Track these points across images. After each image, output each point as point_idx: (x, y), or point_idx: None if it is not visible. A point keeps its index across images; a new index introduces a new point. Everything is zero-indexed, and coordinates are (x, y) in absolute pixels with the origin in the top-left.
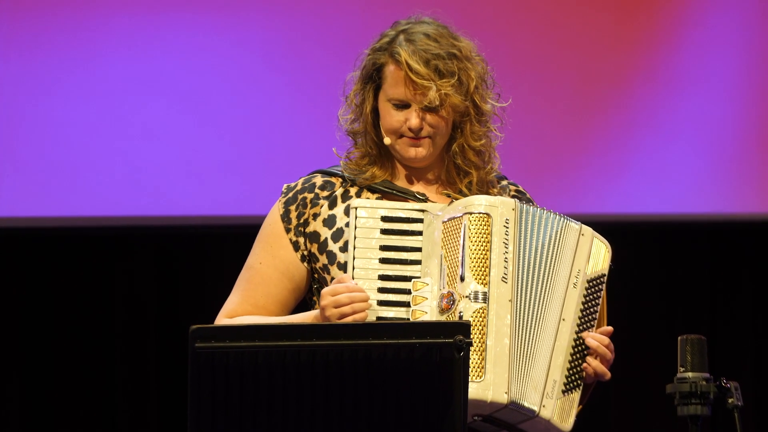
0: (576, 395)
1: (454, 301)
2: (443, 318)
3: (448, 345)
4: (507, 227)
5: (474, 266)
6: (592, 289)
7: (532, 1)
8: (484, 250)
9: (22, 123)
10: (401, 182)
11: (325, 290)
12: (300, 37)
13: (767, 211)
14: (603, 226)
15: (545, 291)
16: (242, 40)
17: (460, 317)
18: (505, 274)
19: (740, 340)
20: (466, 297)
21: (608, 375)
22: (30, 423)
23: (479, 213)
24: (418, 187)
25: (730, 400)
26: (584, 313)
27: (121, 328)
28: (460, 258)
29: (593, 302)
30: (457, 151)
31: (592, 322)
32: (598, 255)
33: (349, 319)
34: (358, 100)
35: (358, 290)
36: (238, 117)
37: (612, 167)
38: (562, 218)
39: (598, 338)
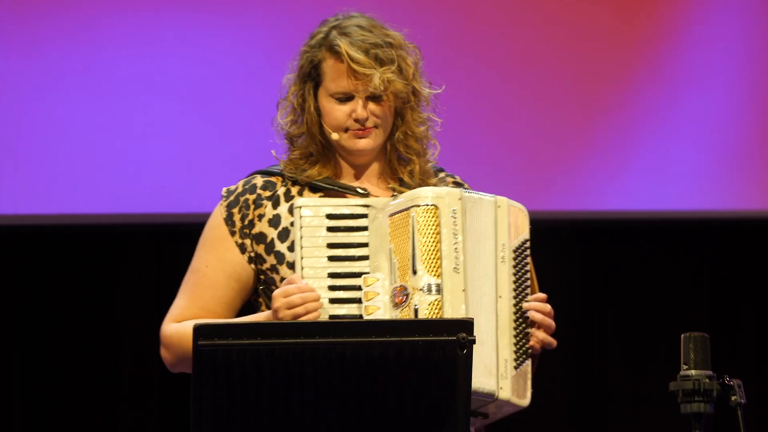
0: (527, 368)
1: (407, 294)
2: (397, 312)
3: (451, 342)
4: (455, 218)
5: (426, 258)
6: (519, 258)
7: None
8: (434, 241)
9: (24, 121)
10: (345, 179)
11: (276, 292)
12: (303, 36)
13: None
14: (605, 224)
15: (479, 272)
16: (244, 38)
17: (416, 310)
18: (456, 264)
19: (743, 338)
20: (420, 290)
21: (554, 343)
22: (31, 422)
23: (426, 205)
24: (361, 182)
25: (733, 398)
26: (517, 284)
27: (123, 326)
28: (410, 251)
29: (523, 271)
30: (400, 139)
31: (526, 291)
32: (516, 222)
33: (302, 320)
34: (298, 100)
35: (309, 290)
36: (240, 115)
37: (613, 165)
38: (479, 195)
39: (538, 307)
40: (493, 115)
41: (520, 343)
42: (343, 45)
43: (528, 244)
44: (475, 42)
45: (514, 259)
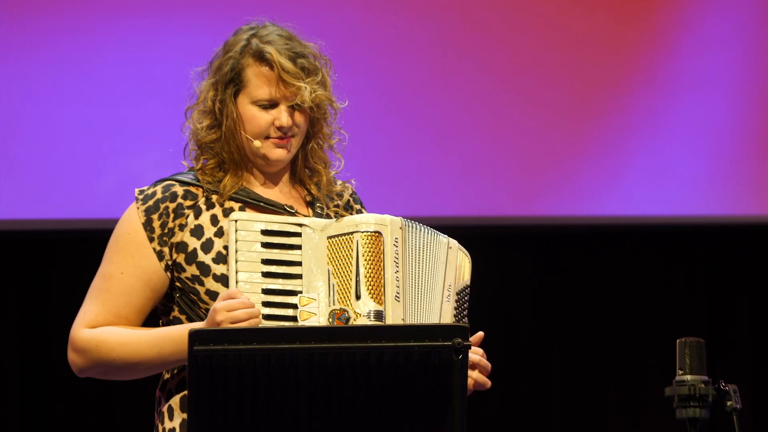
0: None
1: (348, 318)
2: None
3: (446, 348)
4: (396, 246)
5: (369, 285)
6: (461, 301)
7: (529, 3)
8: (377, 269)
9: (20, 125)
10: (258, 189)
11: (219, 305)
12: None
13: (765, 213)
14: (601, 229)
15: (425, 306)
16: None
17: None
18: (397, 293)
19: (739, 343)
20: (364, 315)
21: (488, 384)
22: (30, 424)
23: (369, 232)
24: (274, 194)
25: (728, 403)
26: None
27: None
28: (353, 276)
29: (463, 314)
30: (313, 149)
31: None
32: (462, 266)
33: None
34: (217, 105)
35: (251, 305)
36: None
37: (609, 170)
38: (432, 233)
39: (476, 351)
40: (488, 120)
41: None
42: (273, 53)
43: (468, 291)
44: (471, 47)
45: (456, 301)
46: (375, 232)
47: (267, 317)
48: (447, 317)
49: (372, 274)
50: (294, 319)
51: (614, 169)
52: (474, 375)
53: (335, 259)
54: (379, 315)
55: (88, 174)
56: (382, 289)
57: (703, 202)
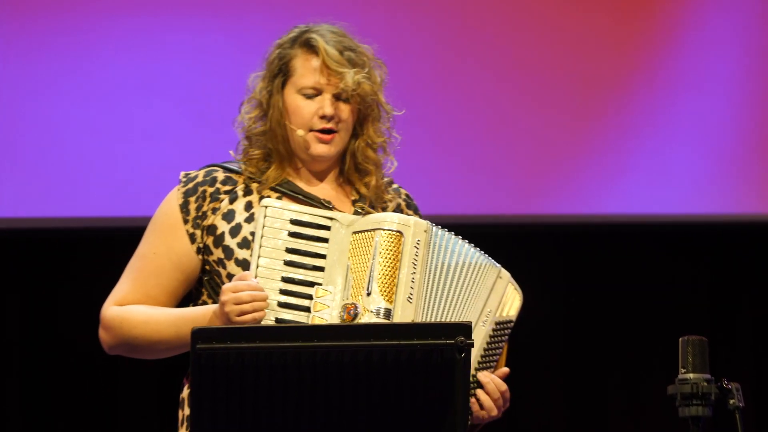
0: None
1: (357, 313)
2: None
3: (449, 346)
4: (417, 248)
5: (381, 282)
6: (499, 332)
7: (530, 3)
8: (393, 267)
9: (23, 124)
10: (302, 183)
11: (226, 286)
12: None
13: (766, 211)
14: (601, 228)
15: (451, 319)
16: (244, 41)
17: None
18: (410, 294)
19: (741, 341)
20: (371, 312)
21: (495, 411)
22: (31, 424)
23: (391, 230)
24: (319, 190)
25: (731, 401)
26: (486, 352)
27: None
28: (368, 272)
29: (497, 344)
30: (360, 148)
31: (492, 364)
32: (510, 301)
33: (248, 318)
34: (264, 96)
35: (259, 289)
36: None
37: (611, 169)
38: (483, 256)
39: (496, 382)
40: (489, 119)
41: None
42: (320, 41)
43: (511, 325)
44: (472, 46)
45: (494, 330)
46: (396, 231)
47: (282, 305)
48: (477, 340)
49: (386, 272)
50: (308, 309)
51: (615, 168)
52: (483, 398)
53: (356, 254)
54: (387, 313)
55: (90, 172)
56: (394, 288)
57: (704, 201)
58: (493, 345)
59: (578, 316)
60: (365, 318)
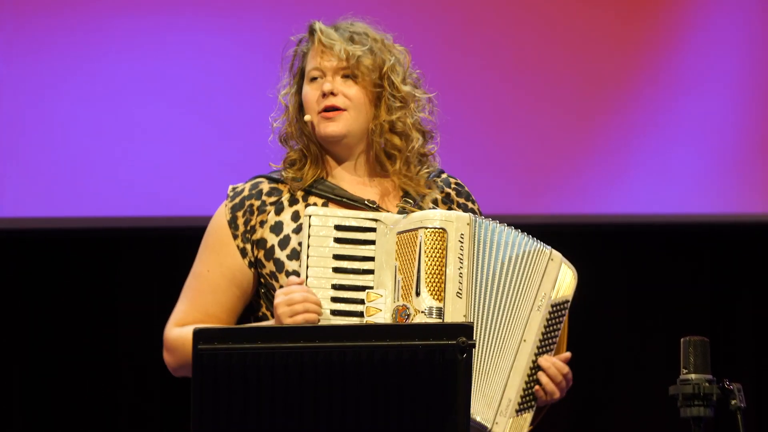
0: (528, 416)
1: (409, 315)
2: None
3: (451, 346)
4: (462, 242)
5: (429, 281)
6: (556, 314)
7: (534, 1)
8: (439, 265)
9: (26, 124)
10: (339, 179)
11: (279, 290)
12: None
13: None
14: (605, 227)
15: (507, 309)
16: (246, 40)
17: None
18: (459, 289)
19: (742, 342)
20: (422, 312)
21: (557, 394)
22: (31, 425)
23: (434, 228)
24: (360, 188)
25: (732, 402)
26: (545, 336)
27: (124, 329)
28: (415, 272)
29: (555, 326)
30: (377, 131)
31: (552, 346)
32: (564, 280)
33: (299, 319)
34: (288, 97)
35: (311, 291)
36: (242, 118)
37: (614, 168)
38: (532, 240)
39: (557, 365)
40: (493, 118)
41: (529, 391)
42: (318, 25)
43: (568, 305)
44: (476, 45)
45: (550, 313)
46: (440, 228)
47: (334, 312)
48: (534, 325)
49: (433, 271)
50: (360, 314)
51: (618, 168)
52: (548, 386)
53: (402, 254)
54: (438, 312)
55: (92, 172)
56: (443, 286)
57: (706, 200)
58: (551, 328)
59: (580, 315)
60: (417, 318)
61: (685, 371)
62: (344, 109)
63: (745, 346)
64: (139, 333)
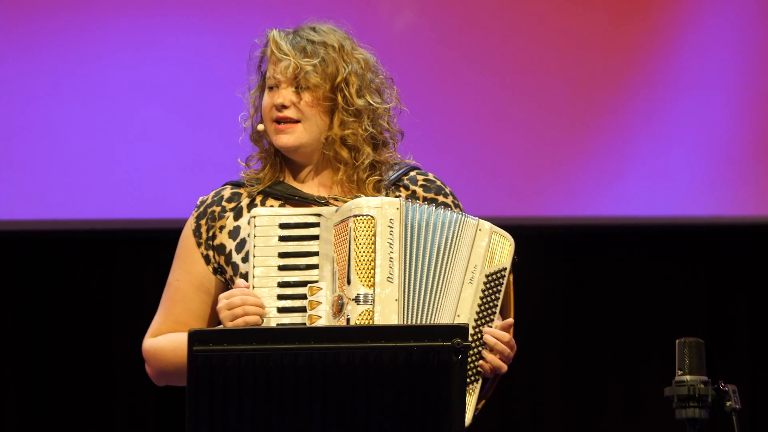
0: (474, 389)
1: (342, 304)
2: (335, 321)
3: (445, 348)
4: (391, 227)
5: (359, 269)
6: (491, 284)
7: (528, 3)
8: (369, 252)
9: (20, 125)
10: (299, 181)
11: (221, 295)
12: None
13: (764, 213)
14: (600, 230)
15: (439, 288)
16: (242, 42)
17: (347, 320)
18: (390, 274)
19: (738, 343)
20: (353, 300)
21: (504, 368)
22: (28, 425)
23: (363, 215)
24: (317, 187)
25: (728, 403)
26: (482, 308)
27: (119, 331)
28: (346, 261)
29: (492, 297)
30: (327, 142)
31: (491, 317)
32: (497, 249)
33: (239, 322)
34: (248, 99)
35: (251, 294)
36: (237, 120)
37: (608, 170)
38: (458, 214)
39: (496, 334)
40: (487, 121)
41: (471, 365)
42: (274, 33)
43: (505, 273)
44: (470, 47)
45: (485, 284)
46: (368, 215)
47: (281, 309)
48: (468, 299)
49: (362, 258)
50: (304, 309)
51: (613, 170)
52: (489, 357)
53: (338, 245)
54: (365, 298)
55: (89, 174)
56: (372, 272)
57: (701, 202)
58: (487, 299)
59: (576, 318)
60: (349, 307)
61: (680, 372)
62: (297, 121)
63: (741, 347)
64: (134, 335)
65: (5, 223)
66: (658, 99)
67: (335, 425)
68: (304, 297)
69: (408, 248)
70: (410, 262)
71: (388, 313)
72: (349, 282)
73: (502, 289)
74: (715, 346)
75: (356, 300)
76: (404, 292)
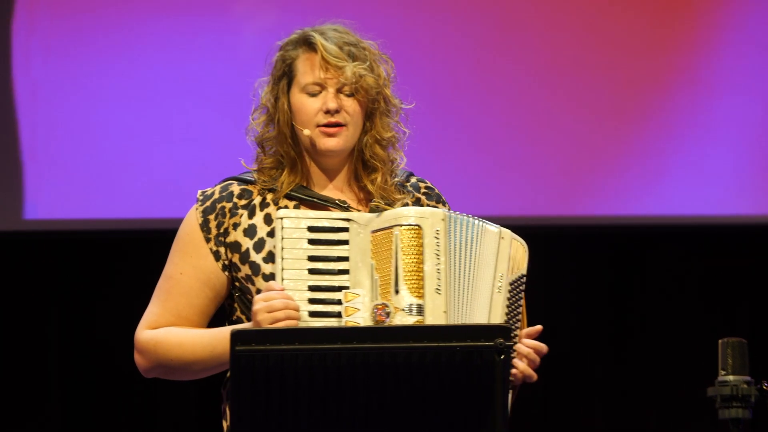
0: (508, 397)
1: (389, 313)
2: None
3: (488, 347)
4: (437, 238)
5: (408, 279)
6: (515, 291)
7: (571, 4)
8: (417, 262)
9: (60, 125)
10: (316, 185)
11: (257, 297)
12: None
13: None
14: (642, 229)
15: (475, 298)
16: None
17: None
18: (438, 285)
19: None
20: (402, 309)
21: (535, 377)
22: (72, 422)
23: (409, 225)
24: (332, 189)
25: None
26: (509, 316)
27: None
28: (393, 270)
29: (517, 304)
30: (368, 144)
31: (516, 324)
32: (516, 256)
33: (281, 325)
34: (270, 100)
35: (290, 297)
36: None
37: (651, 170)
38: (480, 222)
39: (528, 342)
40: (528, 120)
41: None
42: (318, 37)
43: (524, 280)
44: (512, 47)
45: (510, 291)
46: (415, 225)
47: (312, 314)
48: (498, 308)
49: (411, 268)
50: (338, 315)
51: (655, 170)
52: (521, 366)
53: (378, 253)
54: (419, 309)
55: (128, 174)
56: (421, 282)
57: (744, 202)
58: (512, 307)
59: (617, 317)
60: (398, 316)
61: (723, 372)
62: (345, 125)
63: None
64: None
65: (47, 222)
66: (700, 99)
67: (377, 425)
68: (336, 302)
69: (452, 260)
70: (454, 273)
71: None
72: (397, 291)
73: (523, 295)
74: (758, 346)
75: (407, 310)
76: (450, 303)
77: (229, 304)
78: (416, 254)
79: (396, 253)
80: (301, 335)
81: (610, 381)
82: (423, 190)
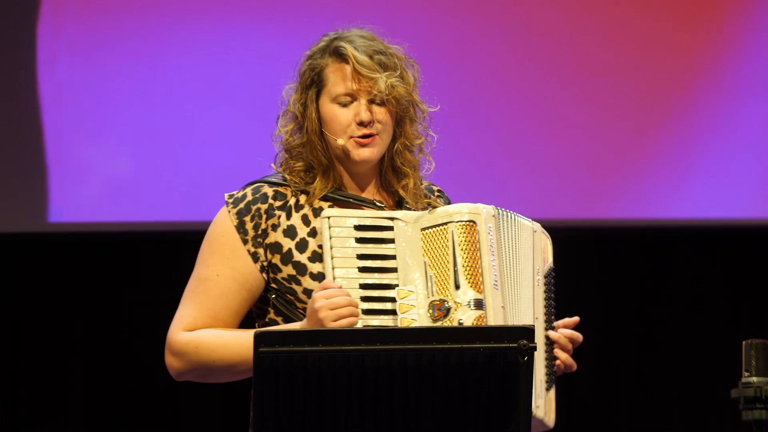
0: (553, 391)
1: (449, 308)
2: (436, 325)
3: (512, 349)
4: (491, 234)
5: (468, 274)
6: (548, 284)
7: (596, 7)
8: (474, 257)
9: (87, 128)
10: (349, 190)
11: (318, 294)
12: None
13: None
14: (667, 232)
15: (520, 292)
16: (308, 45)
17: (460, 323)
18: (495, 281)
19: None
20: (465, 305)
21: (575, 366)
22: (95, 422)
23: (464, 221)
24: (365, 195)
25: None
26: (547, 309)
27: None
28: (451, 266)
29: (551, 296)
30: (399, 151)
31: (552, 316)
32: (546, 249)
33: (344, 323)
34: (299, 108)
35: (348, 294)
36: None
37: (676, 173)
38: (517, 217)
39: (566, 334)
40: (554, 123)
41: (550, 365)
42: (349, 48)
43: (553, 272)
44: (538, 51)
45: (545, 284)
46: (469, 221)
47: (366, 312)
48: (539, 301)
49: (470, 264)
50: (393, 312)
51: (680, 173)
52: (562, 357)
53: (431, 250)
54: (479, 303)
55: (156, 177)
56: (481, 278)
57: None
58: (549, 299)
59: (643, 319)
60: (459, 311)
61: (746, 374)
62: (377, 134)
63: None
64: None
65: (75, 225)
66: (726, 101)
67: (400, 426)
68: (389, 299)
69: (504, 255)
70: (504, 268)
71: (498, 319)
72: (457, 287)
73: (553, 287)
74: None
75: (471, 305)
76: (506, 299)
77: (258, 306)
78: (473, 250)
79: (453, 249)
80: (324, 337)
81: (635, 381)
82: (437, 194)
